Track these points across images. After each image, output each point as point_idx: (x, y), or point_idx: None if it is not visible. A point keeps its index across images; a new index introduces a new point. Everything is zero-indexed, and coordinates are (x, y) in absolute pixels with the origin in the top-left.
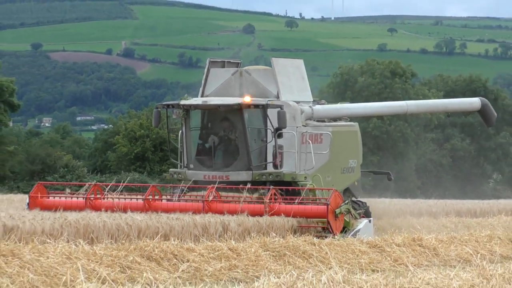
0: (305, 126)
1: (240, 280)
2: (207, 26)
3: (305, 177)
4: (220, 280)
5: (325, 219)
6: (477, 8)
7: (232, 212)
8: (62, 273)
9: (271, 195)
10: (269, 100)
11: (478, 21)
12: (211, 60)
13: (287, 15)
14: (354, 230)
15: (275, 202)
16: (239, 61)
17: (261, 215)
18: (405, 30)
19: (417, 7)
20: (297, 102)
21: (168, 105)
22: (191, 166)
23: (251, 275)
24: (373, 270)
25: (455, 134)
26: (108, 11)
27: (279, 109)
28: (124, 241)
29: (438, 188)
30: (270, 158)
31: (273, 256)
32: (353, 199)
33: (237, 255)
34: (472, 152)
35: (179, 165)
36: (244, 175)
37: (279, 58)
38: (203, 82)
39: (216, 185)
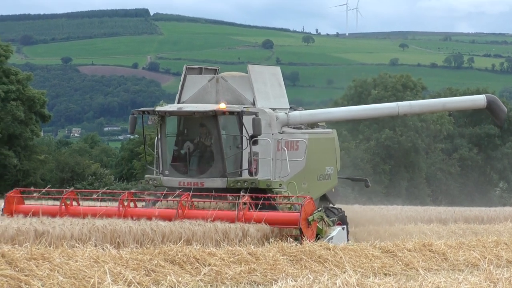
0: (281, 133)
1: (259, 283)
2: (228, 41)
3: (280, 184)
4: (240, 283)
5: (298, 227)
6: (484, 25)
7: (205, 218)
8: (90, 276)
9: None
10: (244, 107)
11: (485, 37)
12: (188, 67)
13: (304, 31)
14: (327, 237)
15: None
16: (216, 68)
17: (232, 221)
18: (416, 46)
19: (427, 23)
20: (273, 109)
21: (143, 111)
22: (166, 172)
23: (270, 278)
24: (385, 274)
25: (463, 144)
26: (135, 27)
27: (254, 116)
28: (149, 246)
29: (447, 196)
30: (245, 165)
31: (290, 260)
32: (330, 205)
33: (256, 259)
34: (479, 161)
35: (154, 172)
36: (218, 182)
37: (255, 65)
38: (179, 88)
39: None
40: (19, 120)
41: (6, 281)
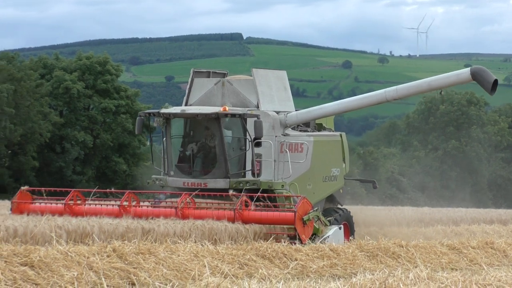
0: (284, 135)
1: (340, 276)
2: (312, 62)
3: (282, 185)
4: (323, 276)
5: (293, 226)
6: None
7: (204, 218)
8: (191, 268)
9: (241, 201)
10: (248, 110)
11: None
12: (195, 70)
13: (380, 52)
14: (323, 237)
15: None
16: (225, 72)
17: (231, 221)
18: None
19: (489, 46)
20: (278, 112)
21: (150, 113)
22: (172, 173)
23: (349, 272)
24: (452, 269)
25: None
26: (229, 49)
27: (255, 118)
28: (242, 242)
29: (507, 199)
30: (249, 166)
31: (367, 256)
32: (339, 206)
33: (337, 255)
34: None
35: (161, 172)
36: (221, 183)
37: (260, 69)
38: (187, 91)
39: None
40: (128, 131)
41: (117, 272)
